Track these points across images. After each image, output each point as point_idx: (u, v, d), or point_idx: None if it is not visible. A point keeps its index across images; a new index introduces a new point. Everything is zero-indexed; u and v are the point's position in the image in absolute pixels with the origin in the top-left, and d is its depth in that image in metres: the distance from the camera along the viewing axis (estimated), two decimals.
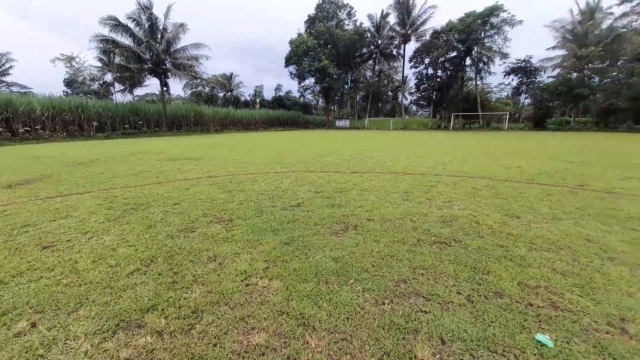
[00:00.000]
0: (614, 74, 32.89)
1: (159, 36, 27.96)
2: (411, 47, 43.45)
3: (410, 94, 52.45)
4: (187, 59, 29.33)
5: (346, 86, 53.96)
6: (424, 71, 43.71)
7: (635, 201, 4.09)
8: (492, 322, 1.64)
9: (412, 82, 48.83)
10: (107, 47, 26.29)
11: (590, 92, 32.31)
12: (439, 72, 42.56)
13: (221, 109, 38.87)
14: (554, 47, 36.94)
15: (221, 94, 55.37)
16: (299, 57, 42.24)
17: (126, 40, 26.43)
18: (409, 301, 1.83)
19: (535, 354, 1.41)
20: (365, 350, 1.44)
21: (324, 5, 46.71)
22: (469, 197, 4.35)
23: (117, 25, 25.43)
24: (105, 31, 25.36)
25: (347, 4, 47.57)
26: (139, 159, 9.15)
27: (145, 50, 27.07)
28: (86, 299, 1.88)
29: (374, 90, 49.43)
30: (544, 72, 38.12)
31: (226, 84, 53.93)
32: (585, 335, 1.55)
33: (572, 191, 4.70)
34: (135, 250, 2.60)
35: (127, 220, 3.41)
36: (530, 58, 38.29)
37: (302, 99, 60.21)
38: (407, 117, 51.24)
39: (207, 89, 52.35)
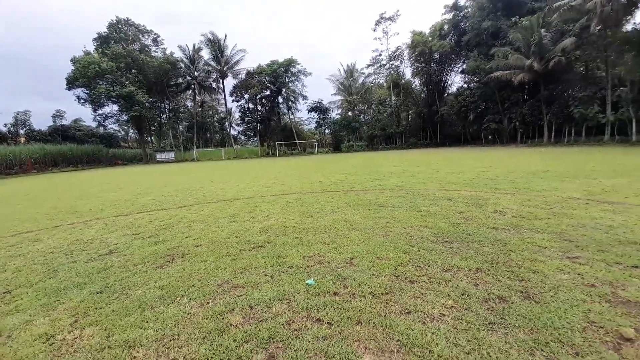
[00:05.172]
0: (370, 113, 50.05)
1: None
2: (230, 82, 45.97)
3: (238, 124, 55.00)
4: None
5: (164, 115, 48.83)
6: (246, 105, 47.43)
7: (374, 193, 6.73)
8: (284, 284, 2.46)
9: (237, 114, 51.46)
10: None
11: (360, 125, 47.64)
12: (259, 107, 47.63)
13: None
14: (335, 94, 51.32)
15: None
16: (89, 79, 34.11)
17: None
18: (229, 294, 2.35)
19: (305, 291, 2.31)
20: (191, 338, 1.81)
21: (119, 26, 40.81)
22: (283, 209, 5.53)
23: None
24: None
25: (152, 30, 43.97)
26: None
27: None
28: None
29: (199, 121, 47.82)
30: (332, 111, 52.01)
31: None
32: (332, 271, 2.67)
33: (346, 193, 7.01)
34: None
35: None
36: (322, 100, 51.00)
37: (101, 129, 48.37)
38: (238, 146, 52.96)
39: None
